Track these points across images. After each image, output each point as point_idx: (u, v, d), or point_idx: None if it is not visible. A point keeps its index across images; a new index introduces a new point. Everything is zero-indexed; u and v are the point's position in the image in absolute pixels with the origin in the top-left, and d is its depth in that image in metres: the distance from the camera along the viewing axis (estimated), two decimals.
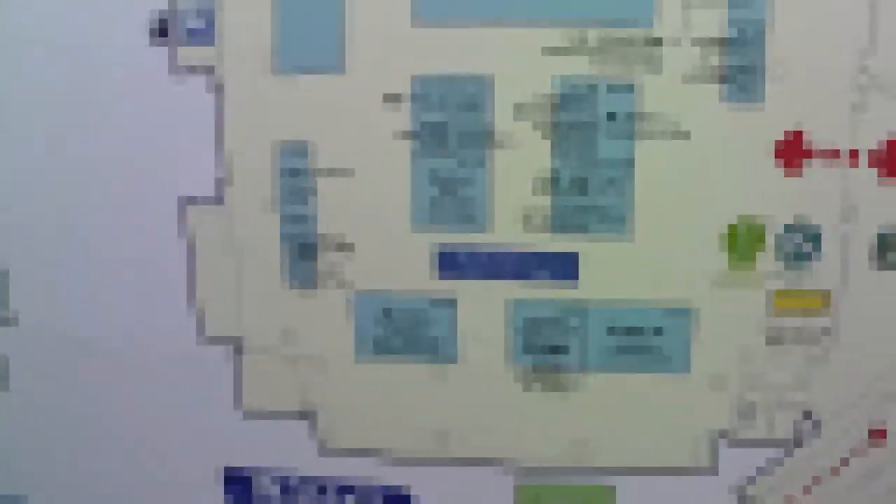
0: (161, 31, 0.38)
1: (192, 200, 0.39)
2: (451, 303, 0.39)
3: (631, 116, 0.37)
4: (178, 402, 0.40)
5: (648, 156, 0.38)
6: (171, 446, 0.41)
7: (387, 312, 0.39)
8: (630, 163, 0.38)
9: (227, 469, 0.41)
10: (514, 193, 0.38)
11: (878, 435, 0.40)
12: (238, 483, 0.41)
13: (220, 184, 0.39)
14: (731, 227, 0.38)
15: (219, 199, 0.39)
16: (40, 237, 0.40)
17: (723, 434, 0.40)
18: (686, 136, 0.37)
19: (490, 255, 0.38)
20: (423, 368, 0.39)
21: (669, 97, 0.37)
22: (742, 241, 0.38)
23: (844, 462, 0.40)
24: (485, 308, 0.39)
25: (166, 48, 0.39)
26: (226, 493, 0.41)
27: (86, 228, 0.39)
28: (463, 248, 0.38)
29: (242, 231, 0.39)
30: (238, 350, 0.40)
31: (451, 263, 0.38)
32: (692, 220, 0.38)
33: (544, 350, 0.39)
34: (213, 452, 0.41)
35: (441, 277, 0.39)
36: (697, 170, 0.38)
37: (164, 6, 0.39)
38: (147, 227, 0.39)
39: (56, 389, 0.41)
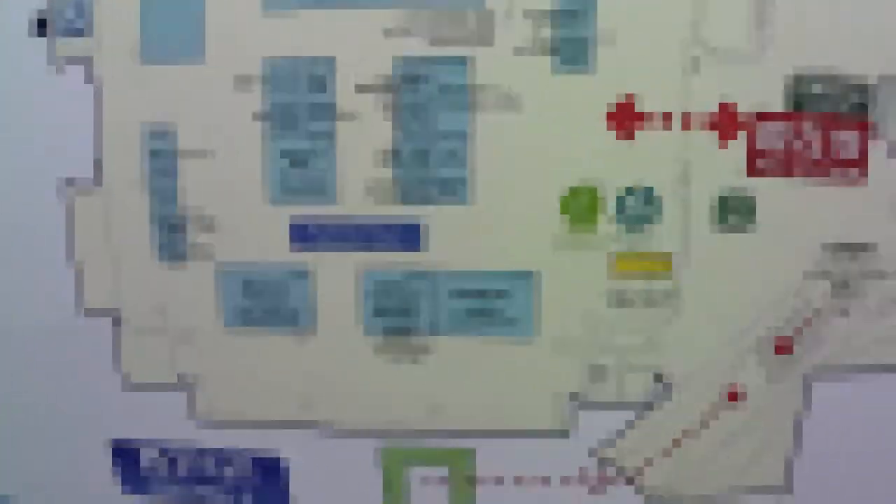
0: (40, 24, 0.41)
1: (70, 182, 0.41)
2: (307, 274, 0.40)
3: (467, 90, 0.39)
4: (62, 376, 0.42)
5: (485, 127, 0.39)
6: (58, 419, 0.43)
7: (248, 284, 0.41)
8: (468, 134, 0.39)
9: (114, 441, 0.43)
10: (361, 167, 0.40)
11: (734, 396, 0.40)
12: (125, 455, 0.43)
13: (97, 166, 0.41)
14: (570, 192, 0.39)
15: (96, 181, 0.41)
16: None
17: (574, 397, 0.41)
18: (520, 106, 0.39)
19: (340, 226, 0.40)
20: (286, 338, 0.41)
21: (503, 70, 0.39)
22: (581, 205, 0.39)
23: (704, 424, 0.41)
24: (338, 278, 0.40)
25: (45, 41, 0.41)
26: (114, 465, 0.43)
27: None
28: (315, 220, 0.40)
29: (117, 209, 0.41)
30: (117, 323, 0.42)
31: (304, 235, 0.40)
32: (531, 186, 0.39)
33: (395, 317, 0.40)
34: (100, 425, 0.43)
35: (296, 249, 0.40)
36: (533, 138, 0.39)
37: (44, 2, 0.41)
38: (29, 208, 0.42)
39: None
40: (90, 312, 0.42)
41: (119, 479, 0.44)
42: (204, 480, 0.43)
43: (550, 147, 0.39)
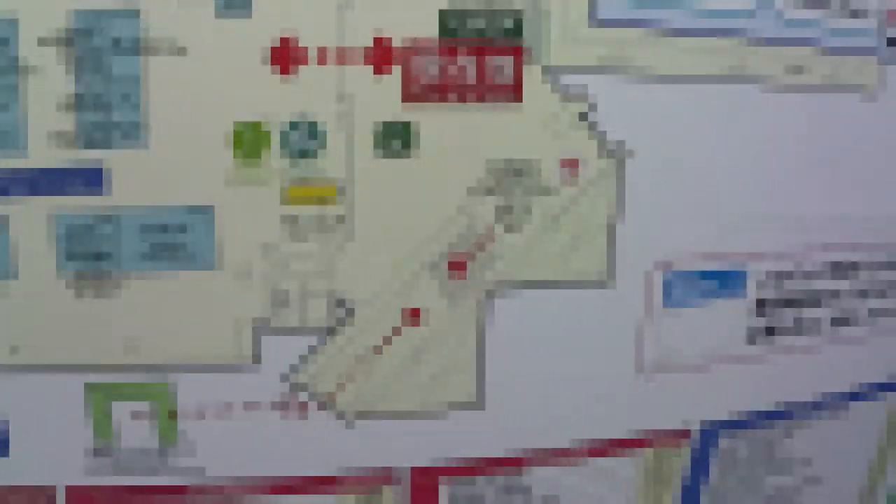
0: None
1: None
2: (2, 221, 0.43)
3: (137, 39, 0.42)
4: None
5: (156, 73, 0.42)
6: None
7: None
8: (140, 80, 0.42)
9: None
10: (46, 118, 0.42)
11: (412, 314, 0.43)
12: None
13: None
14: (235, 130, 0.42)
15: None
16: None
17: (261, 325, 0.43)
18: (187, 51, 0.41)
19: (29, 174, 0.42)
20: None
21: (169, 18, 0.42)
22: (247, 142, 0.42)
23: (387, 342, 0.43)
24: (32, 224, 0.43)
25: None
26: None
27: None
28: (6, 170, 0.42)
29: None
30: None
31: None
32: (202, 127, 0.42)
33: (86, 258, 0.43)
34: None
35: None
36: (200, 82, 0.42)
37: None
38: None
39: None
40: None
41: None
42: None
43: (217, 89, 0.42)
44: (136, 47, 0.42)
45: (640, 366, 0.47)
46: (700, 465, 0.50)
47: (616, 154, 0.44)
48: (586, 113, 0.43)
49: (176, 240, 0.42)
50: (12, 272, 0.43)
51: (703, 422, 0.49)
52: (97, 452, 0.45)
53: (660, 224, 0.45)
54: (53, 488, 0.45)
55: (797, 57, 0.47)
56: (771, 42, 0.46)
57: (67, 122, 0.42)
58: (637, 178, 0.45)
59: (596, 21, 0.43)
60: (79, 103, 0.42)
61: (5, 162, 0.42)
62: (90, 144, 0.42)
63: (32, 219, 0.43)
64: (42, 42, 0.42)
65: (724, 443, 0.50)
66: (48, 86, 0.42)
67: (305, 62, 0.42)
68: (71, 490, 0.45)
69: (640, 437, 0.48)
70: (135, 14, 0.42)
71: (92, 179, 0.42)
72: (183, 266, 0.43)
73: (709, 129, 0.45)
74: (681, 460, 0.50)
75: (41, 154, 0.42)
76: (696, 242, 0.46)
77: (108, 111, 0.42)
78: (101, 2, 0.42)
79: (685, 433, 0.49)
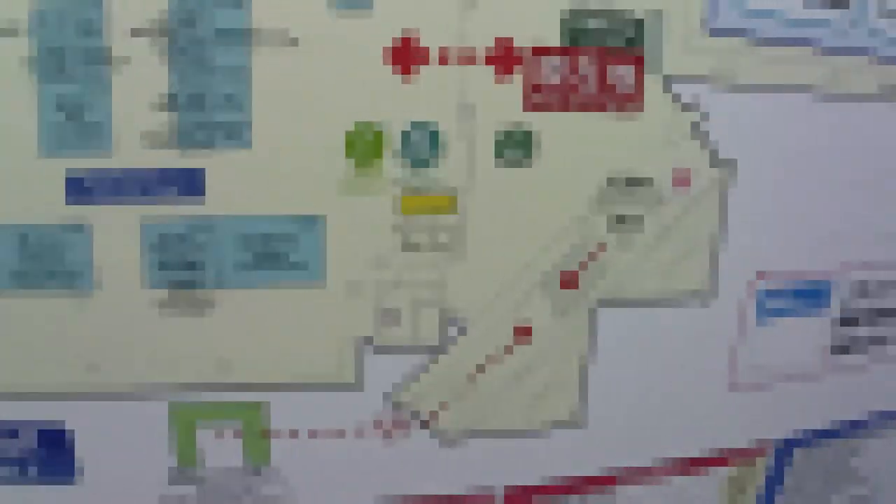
0: None
1: None
2: (85, 229, 0.39)
3: (242, 31, 0.38)
4: None
5: (263, 68, 0.38)
6: None
7: (23, 244, 0.39)
8: (245, 76, 0.38)
9: None
10: (137, 114, 0.38)
11: (523, 332, 0.41)
12: None
13: None
14: (351, 133, 0.39)
15: None
16: None
17: (368, 341, 0.40)
18: (298, 47, 0.38)
19: (118, 177, 0.38)
20: (64, 299, 0.39)
21: (278, 8, 0.38)
22: (364, 146, 0.39)
23: (495, 362, 0.41)
24: (118, 232, 0.39)
25: None
26: None
27: None
28: (91, 172, 0.38)
29: None
30: None
31: (79, 189, 0.38)
32: (312, 128, 0.39)
33: (179, 269, 0.39)
34: None
35: (71, 203, 0.38)
36: (312, 79, 0.38)
37: None
38: None
39: None
40: None
41: None
42: None
43: (331, 88, 0.39)
44: (242, 39, 0.38)
45: (734, 381, 0.46)
46: (776, 478, 0.50)
47: (725, 165, 0.43)
48: (699, 122, 0.42)
49: (279, 251, 0.39)
50: (93, 285, 0.39)
51: (791, 431, 0.49)
52: (180, 480, 0.41)
53: (760, 238, 0.44)
54: None
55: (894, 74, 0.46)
56: (875, 59, 0.45)
57: (161, 120, 0.39)
58: (741, 190, 0.43)
59: (710, 31, 0.41)
60: (175, 99, 0.39)
61: (90, 162, 0.39)
62: (186, 145, 0.39)
63: (119, 226, 0.39)
64: (135, 31, 0.38)
65: (799, 454, 0.50)
66: (140, 80, 0.39)
67: (426, 62, 0.39)
68: None
69: (727, 452, 0.47)
70: (241, 2, 0.38)
71: (188, 184, 0.39)
72: (286, 279, 0.40)
73: (811, 142, 0.45)
74: (761, 473, 0.49)
75: (130, 155, 0.39)
76: (793, 257, 0.45)
77: (207, 109, 0.39)
78: None
79: (767, 446, 0.49)
